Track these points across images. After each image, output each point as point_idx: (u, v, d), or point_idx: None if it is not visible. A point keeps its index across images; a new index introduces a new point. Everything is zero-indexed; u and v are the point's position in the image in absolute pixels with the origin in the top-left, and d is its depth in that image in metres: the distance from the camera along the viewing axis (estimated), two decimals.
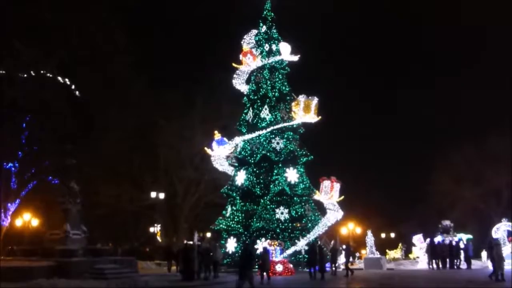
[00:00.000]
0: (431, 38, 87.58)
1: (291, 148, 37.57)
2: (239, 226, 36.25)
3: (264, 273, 26.44)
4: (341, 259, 41.16)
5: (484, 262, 39.06)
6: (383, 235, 69.11)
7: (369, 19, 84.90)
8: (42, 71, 34.03)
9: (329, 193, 35.16)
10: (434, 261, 36.33)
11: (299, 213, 36.35)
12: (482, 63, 72.68)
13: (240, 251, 29.90)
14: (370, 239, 39.60)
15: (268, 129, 37.18)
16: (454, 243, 37.52)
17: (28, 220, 43.01)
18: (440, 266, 35.86)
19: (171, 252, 35.37)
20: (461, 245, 37.66)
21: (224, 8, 77.45)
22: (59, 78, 35.84)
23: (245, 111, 39.13)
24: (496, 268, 24.38)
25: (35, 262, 24.50)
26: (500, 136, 53.55)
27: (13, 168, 38.84)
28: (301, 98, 36.69)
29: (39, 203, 41.35)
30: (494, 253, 24.87)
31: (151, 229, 56.88)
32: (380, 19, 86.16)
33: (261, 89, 38.47)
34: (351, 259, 45.36)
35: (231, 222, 36.75)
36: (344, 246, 33.01)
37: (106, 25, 35.90)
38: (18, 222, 42.84)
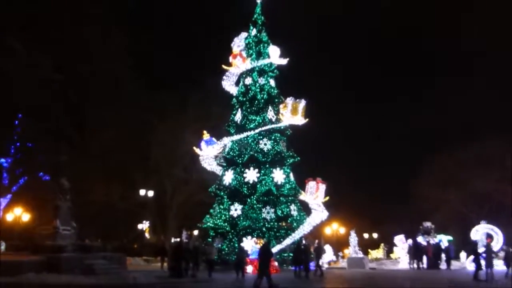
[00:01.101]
0: (426, 45, 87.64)
1: (278, 150, 37.59)
2: (226, 224, 36.23)
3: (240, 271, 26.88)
4: (325, 258, 41.44)
5: (462, 263, 39.34)
6: (366, 236, 69.36)
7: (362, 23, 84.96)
8: (37, 70, 33.79)
9: (314, 194, 35.25)
10: (414, 261, 36.59)
11: (285, 213, 36.38)
12: (467, 71, 73.13)
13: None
14: (353, 239, 39.73)
15: (256, 130, 37.20)
16: (434, 244, 37.82)
17: (19, 215, 42.74)
18: (421, 266, 36.14)
19: (164, 249, 35.22)
20: (442, 246, 37.95)
21: (215, 12, 77.47)
22: (54, 76, 35.62)
23: (234, 112, 39.12)
24: (487, 267, 24.70)
25: (25, 257, 24.34)
26: (480, 143, 54.01)
27: (4, 164, 38.64)
28: (289, 100, 36.73)
29: (30, 199, 41.08)
30: (486, 251, 25.29)
31: (140, 226, 56.72)
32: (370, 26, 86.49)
33: (250, 91, 38.47)
34: (334, 258, 45.74)
35: (218, 221, 36.72)
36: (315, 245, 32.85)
37: (102, 26, 35.80)
38: (9, 217, 42.56)
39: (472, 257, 26.82)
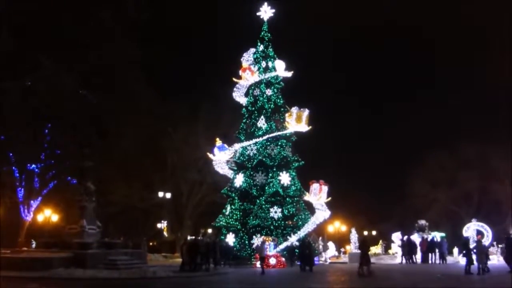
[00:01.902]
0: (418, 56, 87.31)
1: (284, 154, 37.64)
2: (237, 223, 36.31)
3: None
4: (328, 253, 41.46)
5: (455, 258, 39.16)
6: (365, 233, 69.12)
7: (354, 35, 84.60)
8: (64, 85, 34.07)
9: (317, 195, 35.34)
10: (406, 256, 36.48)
11: (291, 212, 36.40)
12: (455, 77, 72.96)
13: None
14: (354, 236, 39.73)
15: (264, 137, 37.29)
16: (429, 240, 37.67)
17: (48, 215, 43.02)
18: (415, 260, 36.11)
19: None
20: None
21: (224, 29, 77.65)
22: (78, 89, 35.92)
23: (244, 120, 39.21)
24: (479, 262, 24.59)
25: (54, 253, 24.57)
26: (470, 145, 53.90)
27: (36, 169, 38.98)
28: (294, 109, 36.90)
29: (59, 201, 41.41)
30: (477, 248, 25.16)
31: (159, 225, 56.88)
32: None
33: (258, 101, 38.59)
34: (336, 253, 45.67)
35: (230, 220, 36.79)
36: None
37: (120, 41, 35.96)
38: (40, 218, 42.86)
39: (463, 252, 26.60)
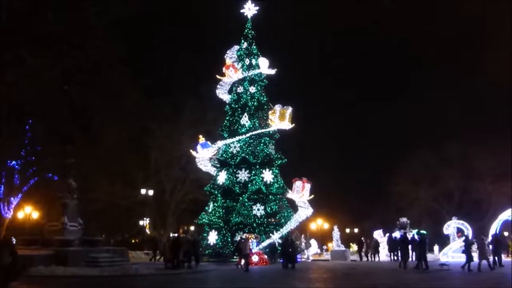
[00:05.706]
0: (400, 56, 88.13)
1: (267, 152, 37.70)
2: (220, 220, 36.29)
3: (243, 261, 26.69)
4: (310, 251, 41.64)
5: (436, 255, 39.55)
6: (347, 230, 69.58)
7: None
8: (46, 80, 33.67)
9: (300, 192, 35.42)
10: (392, 253, 36.74)
11: (273, 210, 36.48)
12: (437, 78, 73.77)
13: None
14: (336, 233, 39.84)
15: (247, 135, 37.32)
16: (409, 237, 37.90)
17: (29, 212, 42.51)
18: (397, 258, 36.26)
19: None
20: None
21: (209, 26, 77.62)
22: (61, 85, 35.52)
23: (227, 118, 39.20)
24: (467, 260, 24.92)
25: (35, 251, 24.29)
26: (452, 144, 54.47)
27: (16, 166, 38.50)
28: (277, 107, 36.97)
29: (40, 198, 40.87)
30: (465, 245, 25.51)
31: (141, 222, 56.58)
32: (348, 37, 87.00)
33: (242, 99, 38.60)
34: (318, 251, 45.86)
35: (212, 217, 36.78)
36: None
37: (105, 39, 35.63)
38: (20, 215, 42.34)
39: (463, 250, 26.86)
